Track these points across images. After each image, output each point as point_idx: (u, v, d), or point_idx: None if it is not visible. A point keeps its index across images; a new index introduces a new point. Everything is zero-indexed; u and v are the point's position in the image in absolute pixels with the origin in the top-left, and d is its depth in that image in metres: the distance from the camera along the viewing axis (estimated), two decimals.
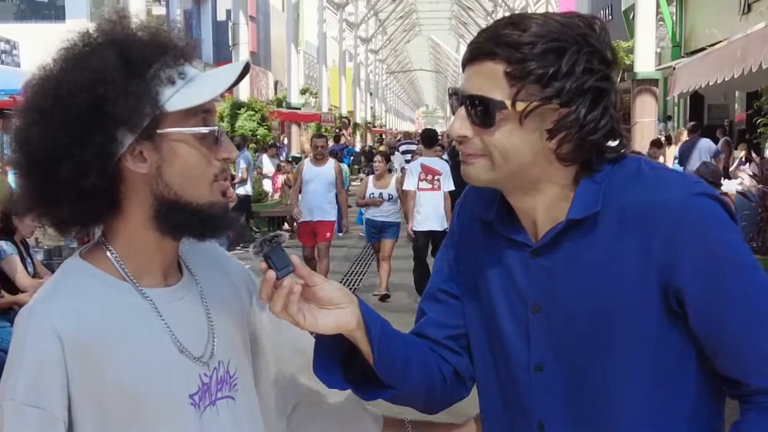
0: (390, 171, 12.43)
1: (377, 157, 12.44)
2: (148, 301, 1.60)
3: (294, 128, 28.08)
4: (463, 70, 1.70)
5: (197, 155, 1.57)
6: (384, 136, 53.50)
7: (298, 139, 29.38)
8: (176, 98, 1.53)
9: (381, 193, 11.44)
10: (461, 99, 1.68)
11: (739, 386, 1.67)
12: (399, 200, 11.56)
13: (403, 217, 11.87)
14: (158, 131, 1.53)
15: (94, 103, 1.49)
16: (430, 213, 10.46)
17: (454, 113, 1.72)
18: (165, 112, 1.52)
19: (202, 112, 1.57)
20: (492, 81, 1.63)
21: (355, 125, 47.17)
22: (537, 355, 1.73)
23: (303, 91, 33.45)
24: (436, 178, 10.55)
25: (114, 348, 1.53)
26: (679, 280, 1.62)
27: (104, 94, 1.49)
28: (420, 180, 10.57)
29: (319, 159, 11.63)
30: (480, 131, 1.65)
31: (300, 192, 11.77)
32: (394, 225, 11.53)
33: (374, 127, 61.83)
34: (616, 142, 1.68)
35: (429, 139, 11.57)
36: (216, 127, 1.59)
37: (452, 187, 10.35)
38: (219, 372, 1.67)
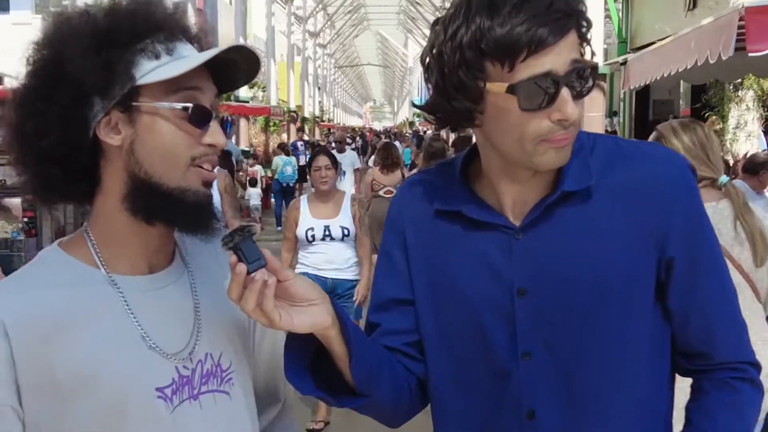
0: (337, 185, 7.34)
1: (320, 160, 6.78)
2: (117, 290, 1.53)
3: (242, 122, 27.92)
4: (535, 54, 1.49)
5: (175, 134, 1.50)
6: (333, 131, 53.35)
7: (247, 133, 29.20)
8: (155, 72, 1.48)
9: (327, 228, 6.64)
10: (563, 79, 1.52)
11: (703, 358, 1.70)
12: (356, 238, 6.76)
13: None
14: (133, 103, 1.48)
15: (55, 60, 1.47)
16: None
17: (530, 105, 1.53)
18: (140, 84, 1.48)
19: (187, 89, 1.50)
20: (576, 49, 1.54)
21: (304, 119, 47.02)
22: (524, 342, 1.67)
23: (251, 85, 33.23)
24: None
25: (71, 337, 1.46)
26: (671, 249, 1.64)
27: (64, 52, 1.47)
28: None
29: None
30: (577, 105, 1.55)
31: None
32: (354, 287, 6.84)
33: (322, 121, 61.63)
34: None
35: None
36: (191, 105, 1.49)
37: None
38: (205, 365, 1.59)
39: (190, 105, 1.50)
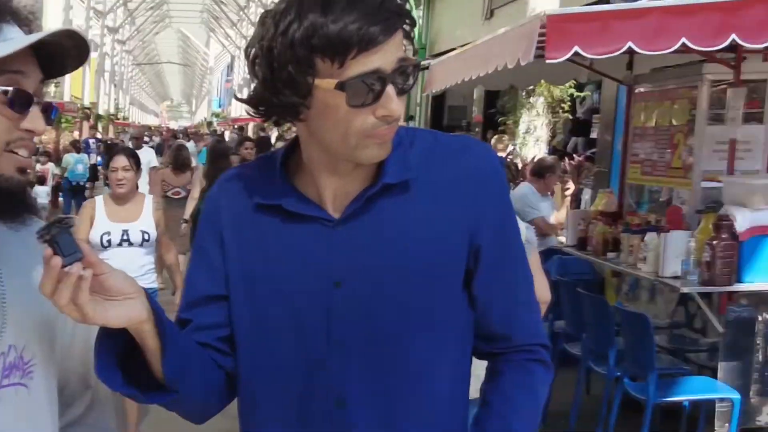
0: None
1: (118, 160, 6.03)
2: None
3: None
4: (365, 52, 1.52)
5: None
6: (128, 129, 52.02)
7: None
8: None
9: (126, 233, 5.94)
10: (390, 77, 1.54)
11: (502, 341, 1.78)
12: (161, 244, 6.30)
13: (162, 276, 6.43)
14: None
15: None
16: None
17: (357, 102, 1.55)
18: None
19: (9, 73, 1.44)
20: (401, 48, 1.58)
21: (98, 117, 45.73)
22: (337, 331, 1.67)
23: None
24: None
25: None
26: (480, 239, 1.70)
27: None
28: None
29: None
30: (400, 101, 1.60)
31: None
32: (151, 293, 5.04)
33: (117, 119, 60.14)
34: None
35: None
36: (12, 88, 1.44)
37: None
38: (8, 357, 1.51)
39: (10, 89, 1.45)
